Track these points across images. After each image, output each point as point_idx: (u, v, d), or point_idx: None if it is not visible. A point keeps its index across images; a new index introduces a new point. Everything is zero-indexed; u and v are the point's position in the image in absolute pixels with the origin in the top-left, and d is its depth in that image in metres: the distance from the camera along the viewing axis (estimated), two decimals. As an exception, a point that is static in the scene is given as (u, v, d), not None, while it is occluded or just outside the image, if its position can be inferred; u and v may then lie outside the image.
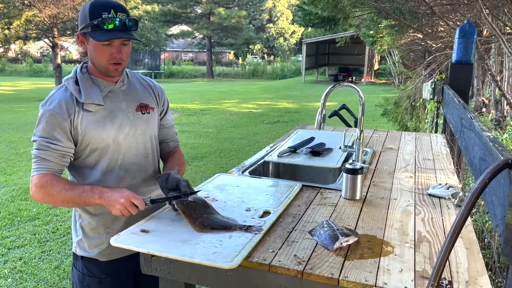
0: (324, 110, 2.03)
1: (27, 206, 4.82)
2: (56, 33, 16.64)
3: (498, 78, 5.84)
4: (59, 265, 3.51)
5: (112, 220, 1.65)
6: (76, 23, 17.28)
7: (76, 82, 1.58)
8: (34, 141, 1.54)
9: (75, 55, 42.79)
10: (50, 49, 18.53)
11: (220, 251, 1.22)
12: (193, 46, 35.73)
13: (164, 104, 1.83)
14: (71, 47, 38.34)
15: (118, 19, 1.48)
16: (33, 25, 16.30)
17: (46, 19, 15.73)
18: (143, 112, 1.69)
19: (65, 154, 1.55)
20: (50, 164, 1.52)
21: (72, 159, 1.59)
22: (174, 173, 1.54)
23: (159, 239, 1.31)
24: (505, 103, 6.26)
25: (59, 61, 17.34)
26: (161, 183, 1.53)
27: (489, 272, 2.51)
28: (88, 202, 1.49)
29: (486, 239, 3.01)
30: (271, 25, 48.46)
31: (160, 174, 1.72)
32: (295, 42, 47.70)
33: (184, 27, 33.22)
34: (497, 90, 6.49)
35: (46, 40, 17.49)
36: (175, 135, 1.90)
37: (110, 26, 1.47)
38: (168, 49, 38.35)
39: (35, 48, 40.28)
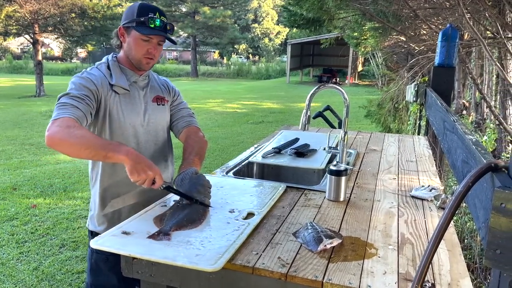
0: (309, 111, 2.02)
1: (5, 206, 4.71)
2: (37, 29, 16.35)
3: (479, 81, 5.95)
4: (38, 266, 3.43)
5: (121, 200, 1.77)
6: (58, 19, 17.06)
7: (108, 67, 1.76)
8: (65, 94, 1.58)
9: (57, 52, 42.09)
10: (31, 46, 18.20)
11: (203, 254, 1.20)
12: (177, 44, 35.51)
13: (175, 94, 1.99)
14: (52, 44, 37.67)
15: (161, 22, 1.69)
16: (13, 21, 15.97)
17: (27, 15, 15.44)
18: (158, 103, 1.86)
19: (91, 112, 1.62)
20: (80, 113, 1.54)
21: (89, 122, 1.62)
22: (189, 172, 1.62)
23: (140, 241, 1.28)
24: (485, 106, 6.38)
25: (40, 57, 17.04)
26: (177, 182, 1.61)
27: (470, 274, 2.55)
28: (111, 155, 1.44)
29: (466, 240, 3.06)
30: (256, 25, 48.48)
31: (172, 164, 1.98)
32: (280, 42, 47.82)
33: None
34: (477, 93, 6.61)
35: (27, 36, 17.18)
36: (186, 116, 1.99)
37: (153, 25, 1.67)
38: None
39: (15, 44, 39.51)
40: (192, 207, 1.50)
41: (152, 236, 1.32)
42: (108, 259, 1.72)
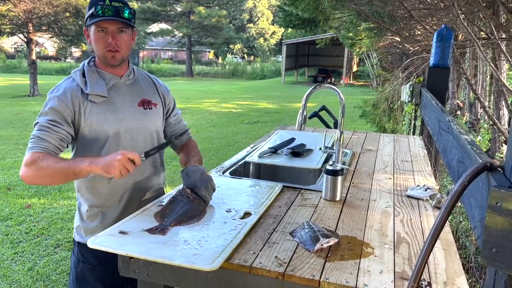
0: (305, 111, 2.03)
1: (-1, 206, 4.69)
2: (31, 28, 16.25)
3: (473, 82, 5.99)
4: (33, 267, 3.42)
5: (108, 208, 1.70)
6: (52, 18, 16.97)
7: (83, 74, 1.65)
8: (36, 124, 1.56)
9: (51, 51, 41.85)
10: (25, 45, 18.09)
11: (200, 253, 1.20)
12: (172, 44, 35.43)
13: (170, 102, 1.89)
14: (46, 43, 37.45)
15: (111, 7, 1.56)
16: (7, 20, 15.85)
17: (21, 14, 15.34)
18: (145, 107, 1.75)
19: (64, 138, 1.57)
20: (47, 145, 1.53)
21: (69, 146, 1.63)
22: (193, 167, 1.64)
23: (138, 241, 1.28)
24: (479, 106, 6.43)
25: (34, 57, 16.94)
26: (183, 177, 1.63)
27: (465, 273, 2.57)
28: (79, 170, 1.47)
29: (461, 239, 3.08)
30: (251, 25, 48.47)
31: (162, 167, 1.90)
32: (275, 42, 47.83)
33: (164, 25, 32.86)
34: (471, 93, 6.66)
35: (21, 35, 17.06)
36: (184, 127, 1.97)
37: (102, 13, 1.55)
38: (147, 47, 37.93)
39: (9, 43, 39.23)
40: (192, 202, 1.52)
41: (149, 230, 1.34)
42: (95, 268, 1.70)
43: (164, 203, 1.57)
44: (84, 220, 1.73)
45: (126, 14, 1.60)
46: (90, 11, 1.58)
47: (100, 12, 1.55)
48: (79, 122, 1.60)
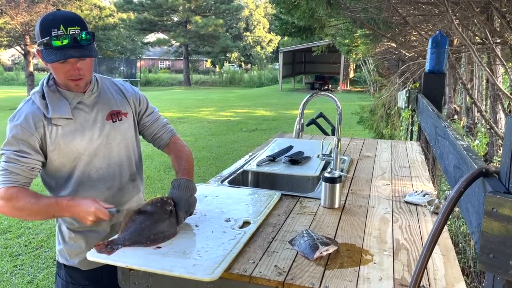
0: (302, 119, 2.04)
1: (-2, 219, 4.67)
2: (28, 40, 16.31)
3: (469, 86, 6.01)
4: (32, 280, 3.40)
5: (91, 230, 1.63)
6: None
7: (43, 97, 1.52)
8: (2, 154, 1.49)
9: (48, 63, 41.84)
10: (22, 57, 18.13)
11: (200, 263, 1.21)
12: (169, 54, 35.53)
13: (140, 103, 1.77)
14: (44, 55, 37.52)
15: (68, 36, 1.39)
16: (4, 33, 15.92)
17: (18, 26, 15.40)
18: (114, 120, 1.64)
19: (34, 167, 1.50)
20: (18, 177, 1.47)
21: (40, 171, 1.57)
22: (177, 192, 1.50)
23: (137, 252, 1.28)
24: (476, 111, 6.45)
25: (31, 69, 16.97)
26: (173, 187, 1.53)
27: (465, 277, 2.56)
28: (58, 216, 1.51)
29: (460, 244, 3.08)
30: (248, 33, 48.69)
31: (142, 182, 1.82)
32: (272, 50, 48.03)
33: (161, 35, 33.00)
34: (468, 98, 6.68)
35: (18, 47, 17.12)
36: (166, 125, 1.84)
37: (59, 44, 1.38)
38: (144, 57, 38.01)
39: (6, 56, 39.32)
40: (165, 221, 1.40)
41: (97, 246, 1.29)
42: None
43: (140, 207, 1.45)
44: (66, 242, 1.66)
45: (84, 38, 1.42)
46: (43, 40, 1.40)
47: (54, 43, 1.38)
48: (46, 147, 1.51)
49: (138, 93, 1.80)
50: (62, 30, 1.39)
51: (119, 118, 1.66)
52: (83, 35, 1.42)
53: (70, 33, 1.40)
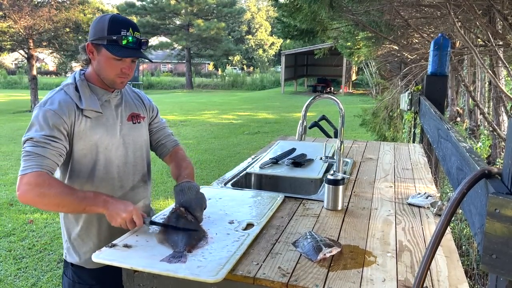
0: (305, 122, 2.05)
1: (2, 222, 4.68)
2: (31, 44, 16.40)
3: (471, 89, 6.01)
4: (36, 282, 3.41)
5: (98, 229, 1.65)
6: (53, 34, 17.14)
7: (76, 89, 1.59)
8: (29, 139, 1.46)
9: (51, 67, 42.13)
10: (25, 61, 18.23)
11: (204, 265, 1.21)
12: (172, 57, 35.65)
13: (153, 110, 1.87)
14: (47, 59, 37.74)
15: (135, 38, 1.55)
16: (7, 36, 16.01)
17: (21, 30, 15.49)
18: (134, 121, 1.73)
19: (62, 153, 1.50)
20: (48, 162, 1.44)
21: (64, 159, 1.56)
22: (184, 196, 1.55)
23: (142, 254, 1.29)
24: (478, 113, 6.44)
25: (34, 72, 17.06)
26: (177, 193, 1.58)
27: (468, 279, 2.56)
28: (89, 209, 1.45)
29: (464, 246, 3.07)
30: (250, 36, 48.81)
31: (149, 179, 1.85)
32: (274, 53, 48.14)
33: (163, 39, 33.10)
34: (470, 100, 6.68)
35: (21, 51, 17.21)
36: (170, 135, 1.93)
37: (126, 43, 1.53)
38: (146, 61, 38.11)
39: (10, 59, 39.52)
40: (191, 224, 1.45)
41: (167, 259, 1.27)
42: None
43: (159, 220, 1.50)
44: (74, 241, 1.66)
45: (144, 45, 1.59)
46: (110, 36, 1.51)
47: (124, 42, 1.52)
48: (72, 136, 1.55)
49: (152, 103, 1.90)
50: (131, 32, 1.54)
51: (138, 121, 1.75)
52: (144, 41, 1.59)
53: (136, 37, 1.56)
